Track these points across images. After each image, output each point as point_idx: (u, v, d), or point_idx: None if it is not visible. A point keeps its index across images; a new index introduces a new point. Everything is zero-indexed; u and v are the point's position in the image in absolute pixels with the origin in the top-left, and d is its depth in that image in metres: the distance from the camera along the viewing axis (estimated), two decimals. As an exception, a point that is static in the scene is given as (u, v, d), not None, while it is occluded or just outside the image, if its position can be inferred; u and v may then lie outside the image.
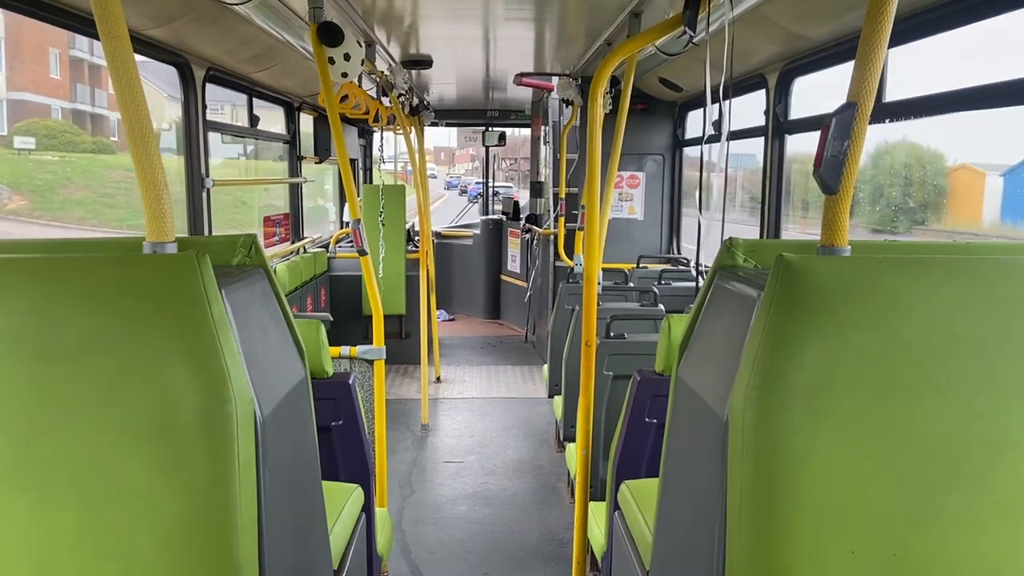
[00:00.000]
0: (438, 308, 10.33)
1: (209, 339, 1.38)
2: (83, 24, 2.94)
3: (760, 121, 4.39)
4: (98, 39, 1.47)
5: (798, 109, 4.20)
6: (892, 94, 3.16)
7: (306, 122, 6.97)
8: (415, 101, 6.62)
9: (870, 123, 1.47)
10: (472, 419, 6.27)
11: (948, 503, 1.36)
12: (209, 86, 4.29)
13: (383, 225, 6.63)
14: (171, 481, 1.37)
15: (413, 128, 6.35)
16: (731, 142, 2.46)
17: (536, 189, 8.98)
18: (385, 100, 5.77)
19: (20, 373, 1.36)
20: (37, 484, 1.37)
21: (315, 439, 1.97)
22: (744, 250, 1.84)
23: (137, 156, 1.48)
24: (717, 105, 2.50)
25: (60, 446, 1.37)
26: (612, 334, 3.82)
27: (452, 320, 10.24)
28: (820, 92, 4.20)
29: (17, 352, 1.36)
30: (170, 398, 1.36)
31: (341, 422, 2.89)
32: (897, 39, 2.76)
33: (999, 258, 1.43)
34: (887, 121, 3.13)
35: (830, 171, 1.47)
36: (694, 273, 5.56)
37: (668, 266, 6.05)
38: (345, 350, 3.69)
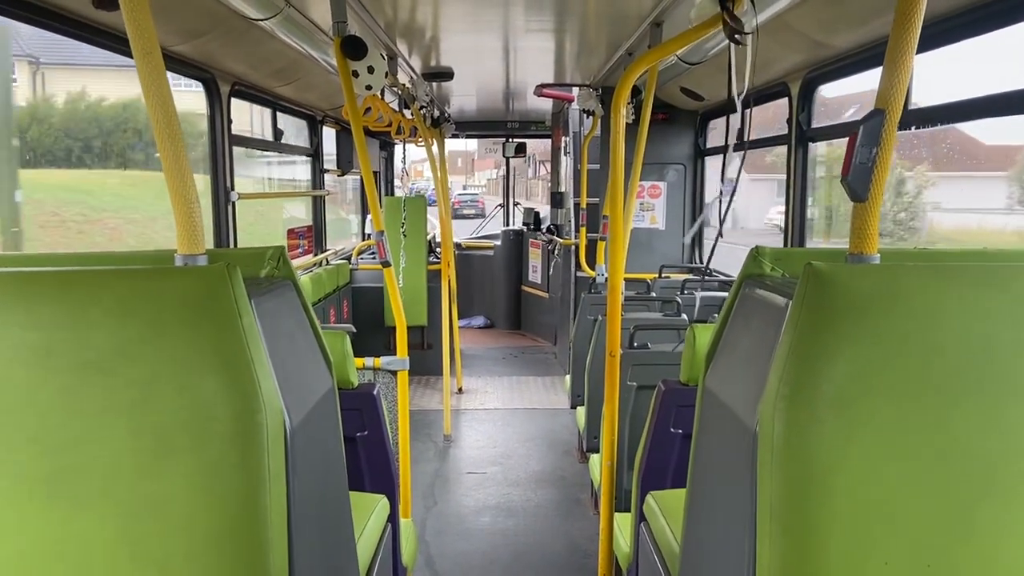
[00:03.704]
0: (474, 315, 10.38)
1: (240, 350, 1.39)
2: (116, 43, 3.00)
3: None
4: (131, 56, 1.50)
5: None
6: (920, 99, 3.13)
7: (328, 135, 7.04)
8: (436, 113, 6.67)
9: (897, 130, 1.46)
10: (494, 430, 6.27)
11: (983, 513, 1.34)
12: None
13: (404, 236, 6.66)
14: (203, 491, 1.38)
15: (434, 140, 6.39)
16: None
17: (557, 200, 8.99)
18: (407, 112, 5.82)
19: (54, 384, 1.38)
20: (70, 494, 1.39)
21: (342, 449, 1.98)
22: (771, 259, 1.83)
23: (169, 171, 1.50)
24: (741, 113, 2.48)
25: (93, 457, 1.38)
26: (635, 344, 3.80)
27: (490, 327, 10.28)
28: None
29: (51, 364, 1.38)
30: (201, 408, 1.38)
31: (366, 433, 2.91)
32: (925, 44, 2.74)
33: None
34: (913, 128, 3.10)
35: (858, 179, 1.46)
36: (696, 278, 5.54)
37: (690, 276, 6.03)
38: (369, 361, 3.70)
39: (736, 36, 2.29)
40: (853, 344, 1.33)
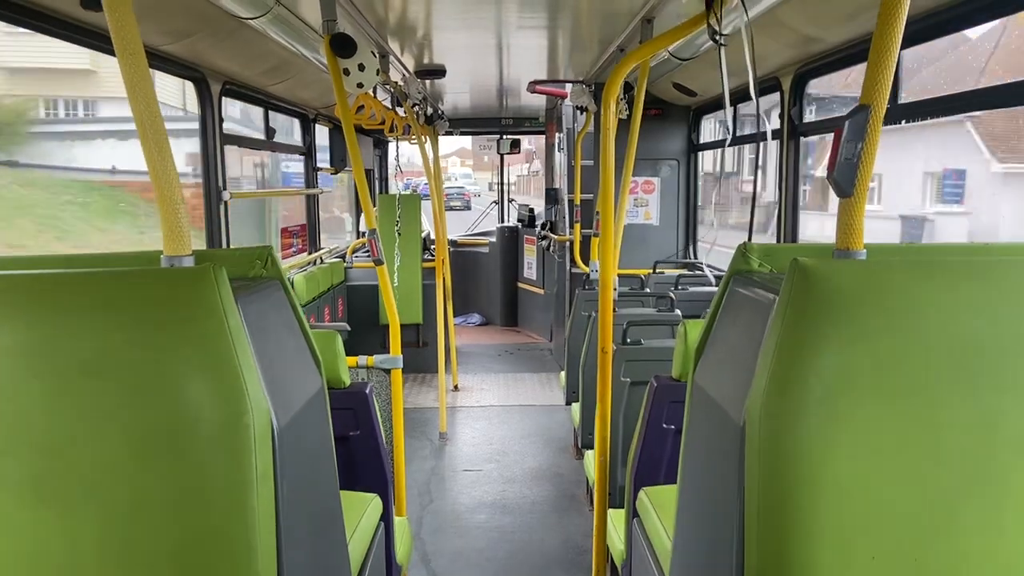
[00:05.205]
0: (470, 312, 10.39)
1: (226, 351, 1.39)
2: (99, 40, 2.99)
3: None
4: (114, 55, 1.49)
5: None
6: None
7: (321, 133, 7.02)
8: (429, 110, 6.65)
9: (884, 125, 1.46)
10: (490, 427, 6.27)
11: (969, 506, 1.34)
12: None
13: (399, 235, 6.65)
14: (190, 493, 1.38)
15: (428, 137, 6.38)
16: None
17: (551, 196, 8.98)
18: (399, 110, 5.81)
19: (40, 387, 1.38)
20: (58, 497, 1.39)
21: (332, 449, 1.98)
22: (759, 255, 1.83)
23: (154, 171, 1.50)
24: (734, 109, 2.48)
25: (80, 459, 1.38)
26: (628, 340, 3.80)
27: (486, 324, 10.30)
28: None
29: (37, 366, 1.38)
30: (188, 410, 1.38)
31: (358, 432, 2.90)
32: (910, 40, 2.74)
33: (1017, 259, 1.41)
34: (902, 122, 3.10)
35: (844, 174, 1.46)
36: (690, 273, 5.52)
37: (684, 271, 6.03)
38: (362, 360, 3.70)
39: (716, 38, 2.31)
40: (839, 339, 1.34)
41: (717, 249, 5.98)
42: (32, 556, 1.40)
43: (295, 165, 7.51)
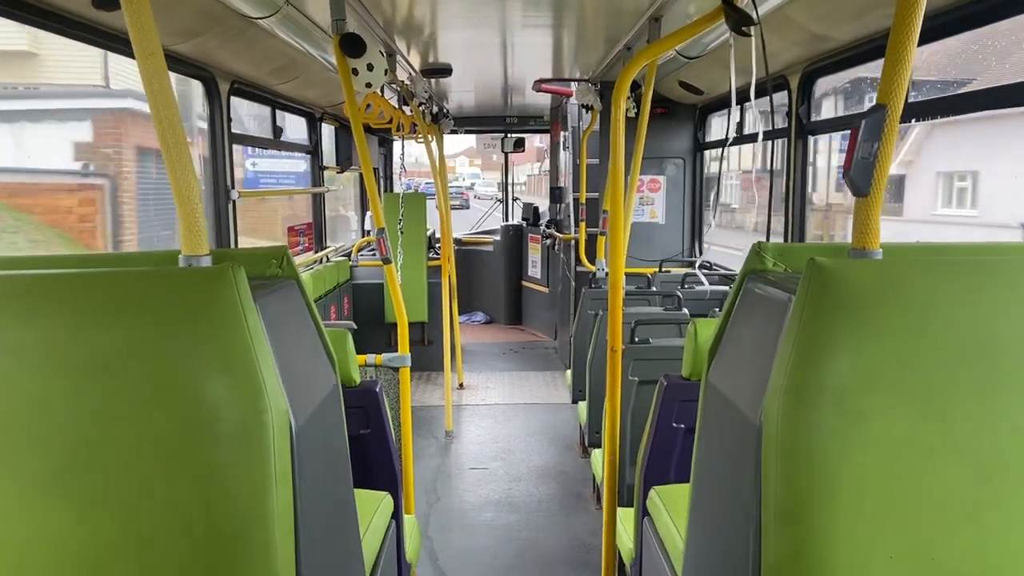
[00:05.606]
0: (473, 311, 10.39)
1: (245, 350, 1.40)
2: (116, 43, 3.00)
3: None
4: (132, 57, 1.49)
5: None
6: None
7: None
8: (435, 109, 6.66)
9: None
10: (496, 425, 6.28)
11: (987, 506, 1.35)
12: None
13: (401, 233, 6.67)
14: (209, 491, 1.38)
15: (433, 136, 6.38)
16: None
17: (556, 195, 8.98)
18: (406, 109, 5.81)
19: (60, 387, 1.39)
20: (78, 496, 1.40)
21: (347, 447, 1.99)
22: (773, 254, 1.83)
23: (173, 171, 1.50)
24: (740, 107, 2.48)
25: (101, 458, 1.39)
26: (636, 339, 3.81)
27: (490, 322, 10.31)
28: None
29: (56, 366, 1.39)
30: (207, 409, 1.38)
31: (369, 430, 2.91)
32: (926, 37, 2.74)
33: None
34: (913, 121, 3.10)
35: (860, 173, 1.46)
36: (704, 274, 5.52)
37: (690, 270, 6.03)
38: (371, 358, 3.71)
39: (742, 28, 2.26)
40: (856, 338, 1.34)
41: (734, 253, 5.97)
42: (53, 554, 1.41)
43: (279, 163, 7.48)
